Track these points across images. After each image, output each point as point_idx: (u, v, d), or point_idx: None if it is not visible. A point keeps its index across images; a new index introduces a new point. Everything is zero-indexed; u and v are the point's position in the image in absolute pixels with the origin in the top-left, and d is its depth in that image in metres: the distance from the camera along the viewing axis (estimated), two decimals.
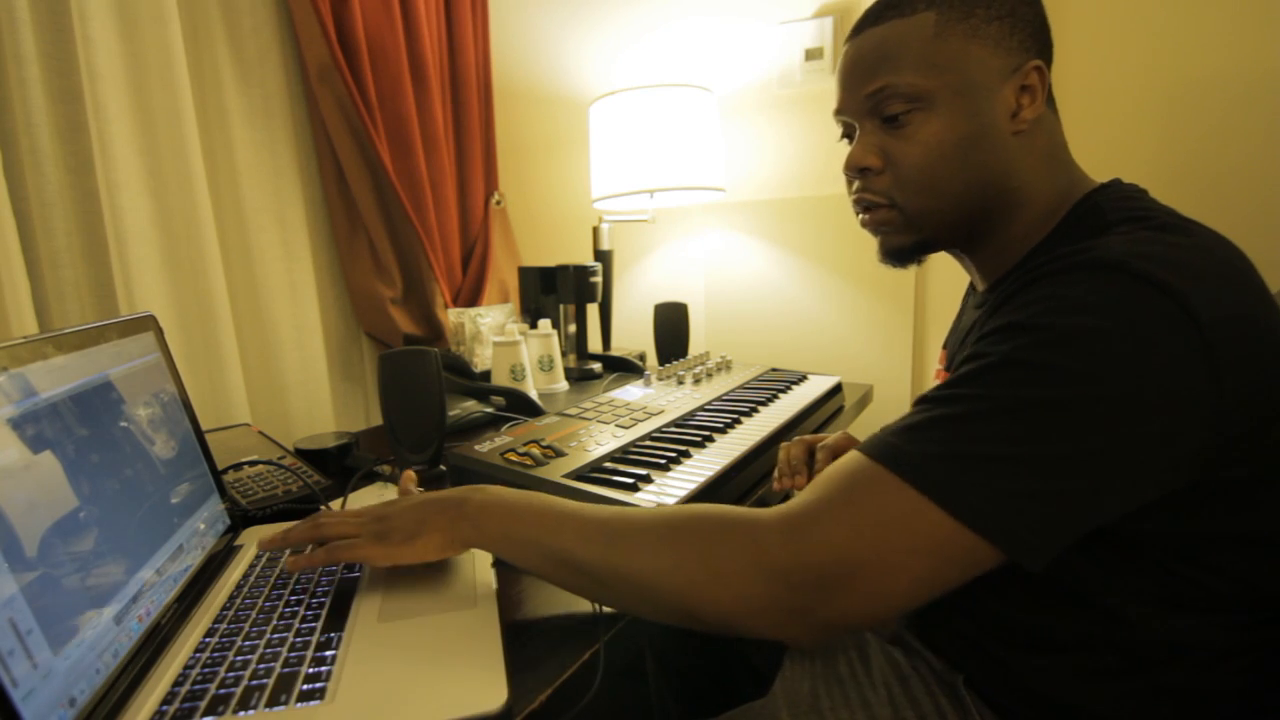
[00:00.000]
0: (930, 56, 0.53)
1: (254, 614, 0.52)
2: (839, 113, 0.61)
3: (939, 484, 0.41)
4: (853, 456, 0.46)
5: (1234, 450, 0.42)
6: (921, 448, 0.43)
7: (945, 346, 0.70)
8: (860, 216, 0.62)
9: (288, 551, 0.58)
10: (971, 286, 0.70)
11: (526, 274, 1.44)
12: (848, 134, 0.62)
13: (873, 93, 0.56)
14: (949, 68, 0.53)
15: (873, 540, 0.42)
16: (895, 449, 0.44)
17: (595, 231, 1.50)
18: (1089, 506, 0.42)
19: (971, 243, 0.60)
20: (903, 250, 0.60)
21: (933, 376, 0.70)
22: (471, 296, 1.53)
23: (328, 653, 0.47)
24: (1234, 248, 0.47)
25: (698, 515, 0.48)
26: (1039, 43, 0.55)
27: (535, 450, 0.75)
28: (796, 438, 0.79)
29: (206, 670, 0.45)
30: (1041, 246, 0.56)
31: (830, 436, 0.79)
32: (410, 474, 0.66)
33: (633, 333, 1.70)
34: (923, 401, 0.47)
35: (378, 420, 1.37)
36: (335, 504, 0.77)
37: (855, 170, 0.59)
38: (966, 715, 0.56)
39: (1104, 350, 0.40)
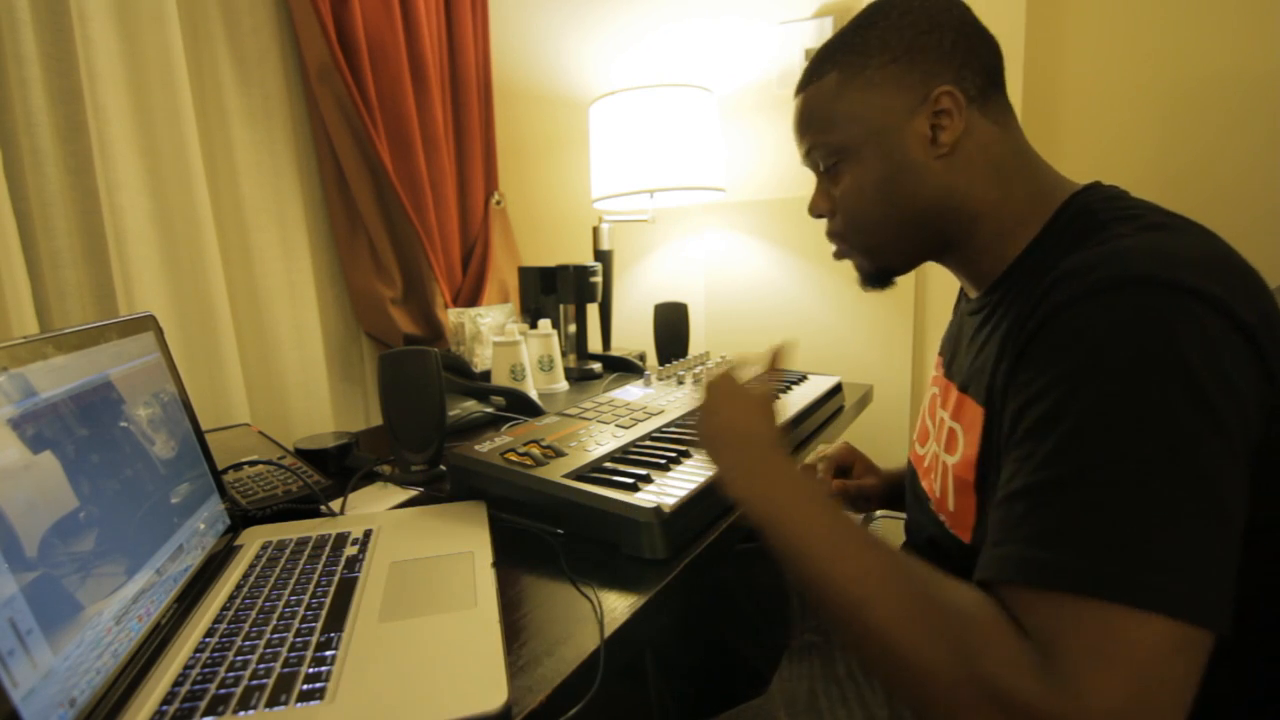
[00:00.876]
0: (837, 113, 0.59)
1: (254, 614, 0.52)
2: (803, 163, 0.68)
3: (1148, 587, 0.37)
4: (1044, 597, 0.40)
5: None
6: (1103, 553, 0.39)
7: (941, 353, 0.70)
8: (833, 252, 0.68)
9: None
10: (962, 293, 0.70)
11: (526, 274, 1.44)
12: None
13: (806, 151, 0.64)
14: (854, 119, 0.59)
15: (1137, 687, 0.37)
16: (1078, 570, 0.39)
17: (595, 231, 1.50)
18: (1239, 534, 0.40)
19: (941, 259, 0.63)
20: (872, 276, 0.66)
21: (929, 382, 0.70)
22: (471, 296, 1.53)
23: (328, 653, 0.47)
24: (1224, 241, 0.47)
25: (962, 621, 0.42)
26: (951, 63, 0.56)
27: (535, 450, 0.75)
28: (812, 459, 0.80)
29: (206, 670, 0.45)
30: (1032, 250, 0.56)
31: (830, 448, 0.80)
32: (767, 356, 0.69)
33: (633, 333, 1.70)
34: (1039, 492, 0.42)
35: (378, 420, 1.37)
36: (335, 504, 0.77)
37: (815, 215, 0.66)
38: None
39: (1190, 371, 0.39)
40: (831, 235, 0.66)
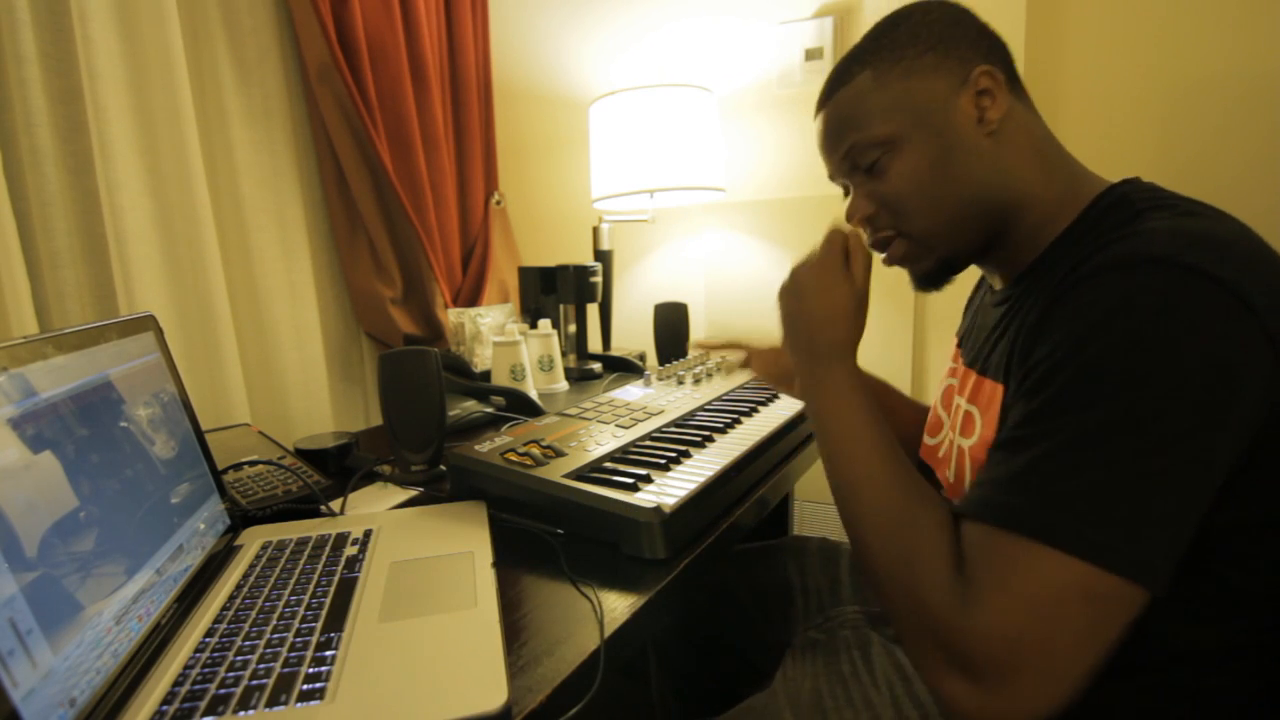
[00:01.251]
0: (880, 106, 0.58)
1: (254, 614, 0.52)
2: (831, 179, 0.67)
3: (1066, 530, 0.40)
4: (979, 529, 0.45)
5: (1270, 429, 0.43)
6: (1037, 496, 0.42)
7: (960, 344, 0.70)
8: (882, 259, 0.65)
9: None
10: (981, 284, 0.70)
11: (526, 274, 1.44)
12: (847, 193, 0.66)
13: (845, 153, 0.61)
14: (899, 108, 0.58)
15: (1031, 617, 0.41)
16: (1012, 507, 0.43)
17: (595, 231, 1.50)
18: (1197, 511, 0.41)
19: (990, 248, 0.61)
20: (929, 274, 0.63)
21: (944, 374, 0.70)
22: (471, 296, 1.53)
23: (328, 653, 0.47)
24: (1255, 233, 0.48)
25: (912, 539, 0.49)
26: (980, 50, 0.58)
27: (535, 450, 0.75)
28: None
29: (206, 670, 0.45)
30: (1063, 239, 0.55)
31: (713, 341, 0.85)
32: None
33: (633, 333, 1.70)
34: (1014, 443, 0.45)
35: (378, 420, 1.37)
36: (335, 504, 0.77)
37: (860, 220, 0.63)
38: None
39: (1181, 350, 0.40)
40: (879, 237, 0.63)
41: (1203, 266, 0.41)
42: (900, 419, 0.81)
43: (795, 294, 0.64)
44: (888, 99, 0.58)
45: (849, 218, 0.64)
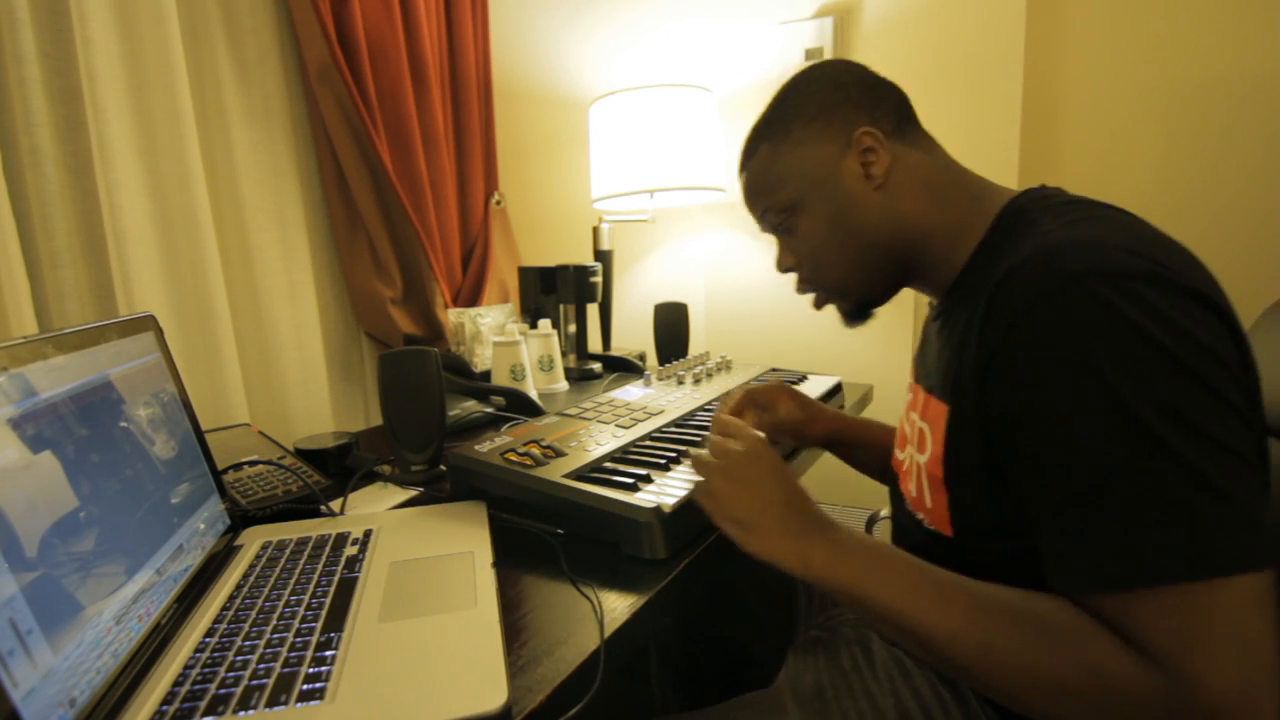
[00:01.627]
0: (778, 175, 0.66)
1: (254, 614, 0.52)
2: (762, 230, 0.73)
3: (1208, 555, 0.40)
4: (1131, 600, 0.42)
5: None
6: (1159, 539, 0.41)
7: (914, 361, 0.72)
8: (811, 302, 0.72)
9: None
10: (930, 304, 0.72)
11: (526, 274, 1.44)
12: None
13: (761, 215, 0.70)
14: (792, 176, 0.65)
15: (1235, 652, 0.39)
16: (1148, 561, 0.41)
17: (595, 231, 1.50)
18: (1257, 482, 0.42)
19: (906, 282, 0.67)
20: (851, 313, 0.70)
21: (905, 389, 0.71)
22: (471, 296, 1.53)
23: (328, 653, 0.47)
24: (1148, 223, 0.50)
25: (1075, 640, 0.43)
26: (864, 109, 0.63)
27: (535, 450, 0.75)
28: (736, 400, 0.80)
29: (206, 670, 0.45)
30: (978, 254, 0.59)
31: (767, 387, 0.82)
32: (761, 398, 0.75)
33: (633, 333, 1.70)
34: (1080, 499, 0.43)
35: (378, 420, 1.37)
36: (335, 504, 0.77)
37: (783, 270, 0.72)
38: (967, 707, 0.57)
39: (1156, 353, 0.41)
40: (803, 284, 0.71)
41: (1119, 268, 0.43)
42: (887, 450, 0.82)
43: (738, 484, 0.57)
44: (783, 169, 0.65)
45: (777, 267, 0.72)
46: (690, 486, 0.66)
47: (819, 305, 0.71)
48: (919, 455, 0.61)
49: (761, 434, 0.60)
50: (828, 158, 0.63)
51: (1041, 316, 0.45)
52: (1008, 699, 0.45)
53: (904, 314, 1.37)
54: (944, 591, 0.48)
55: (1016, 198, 0.58)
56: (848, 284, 0.67)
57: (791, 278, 0.71)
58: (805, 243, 0.66)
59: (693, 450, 0.62)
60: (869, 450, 0.85)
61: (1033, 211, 0.55)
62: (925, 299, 0.69)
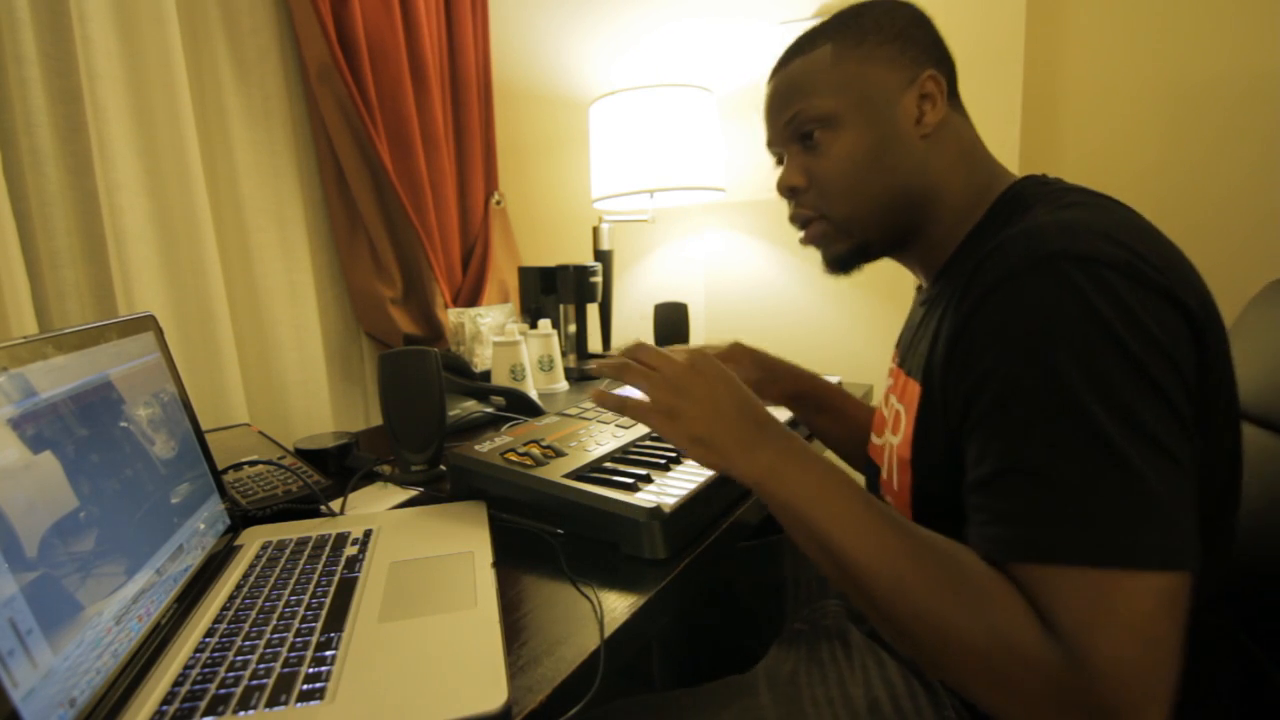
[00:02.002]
0: (831, 81, 0.60)
1: (254, 614, 0.52)
2: (769, 145, 0.67)
3: (1132, 547, 0.40)
4: (1044, 572, 0.42)
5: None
6: (1085, 522, 0.41)
7: (898, 345, 0.71)
8: (800, 235, 0.67)
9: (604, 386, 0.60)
10: (918, 287, 0.72)
11: (526, 274, 1.44)
12: (780, 163, 0.67)
13: (788, 120, 0.63)
14: (848, 88, 0.60)
15: (1141, 644, 0.39)
16: (1067, 540, 0.41)
17: (595, 231, 1.50)
18: (1193, 479, 0.42)
19: (905, 243, 0.64)
20: (840, 258, 0.65)
21: (886, 374, 0.70)
22: (471, 296, 1.53)
23: (328, 653, 0.47)
24: (1138, 214, 0.50)
25: (986, 599, 0.43)
26: (932, 56, 0.60)
27: (535, 450, 0.75)
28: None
29: (206, 670, 0.45)
30: (972, 236, 0.59)
31: (719, 347, 0.80)
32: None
33: (633, 333, 1.70)
34: (1018, 471, 0.44)
35: (377, 420, 1.37)
36: (335, 504, 0.77)
37: (786, 190, 0.65)
38: (936, 699, 0.58)
39: (1110, 343, 0.42)
40: (799, 212, 0.65)
41: (1095, 253, 0.43)
42: (851, 419, 0.83)
43: (693, 398, 0.55)
44: (840, 77, 0.60)
45: (779, 187, 0.65)
46: (692, 485, 0.66)
47: (807, 241, 0.66)
48: (892, 438, 0.61)
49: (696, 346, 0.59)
50: (891, 85, 0.59)
51: (1007, 292, 0.45)
52: (913, 647, 0.46)
53: (904, 314, 1.37)
54: (876, 524, 0.48)
55: (1015, 184, 0.58)
56: (856, 220, 0.62)
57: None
58: (830, 165, 0.61)
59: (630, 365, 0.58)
60: (834, 416, 0.83)
61: (1028, 197, 0.55)
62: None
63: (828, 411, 0.84)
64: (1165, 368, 0.42)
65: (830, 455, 0.81)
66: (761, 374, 0.82)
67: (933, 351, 0.54)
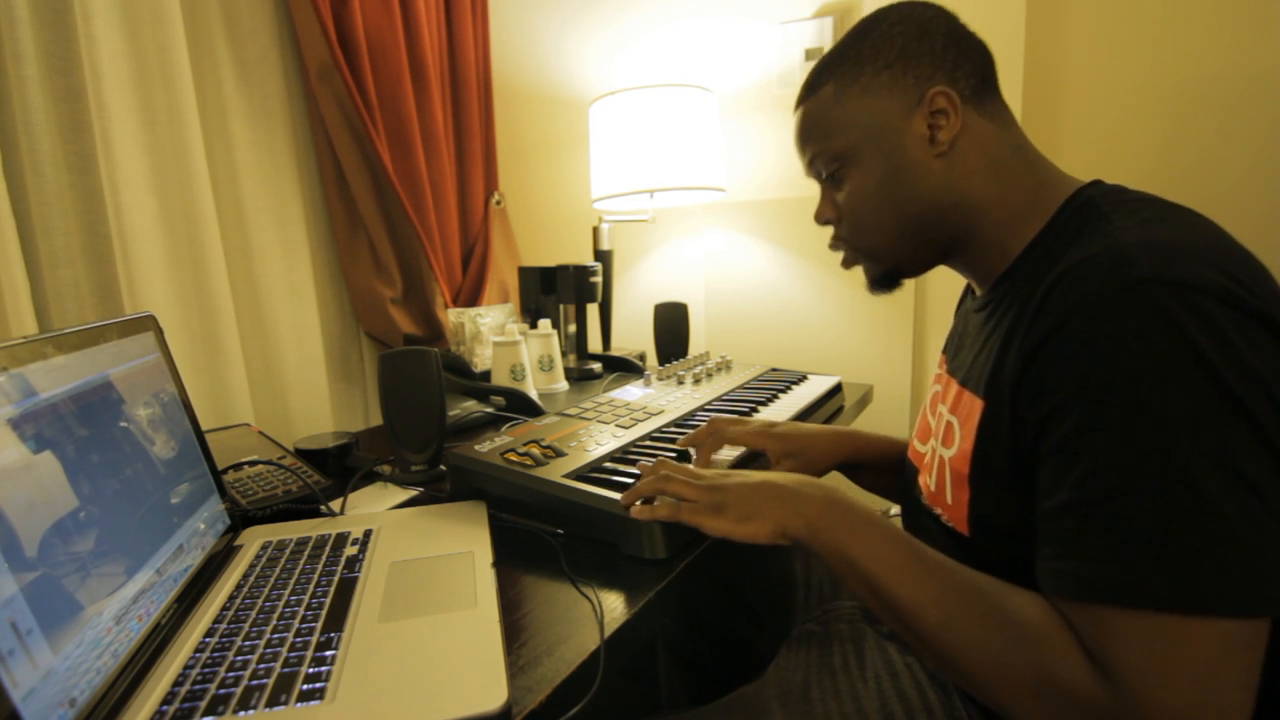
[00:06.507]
0: (836, 122, 0.61)
1: (254, 614, 0.52)
2: (807, 174, 0.69)
3: (1206, 592, 0.39)
4: (1108, 614, 0.41)
5: None
6: (1157, 563, 0.40)
7: (945, 351, 0.70)
8: (840, 261, 0.69)
9: (639, 502, 0.61)
10: (968, 291, 0.70)
11: (526, 274, 1.44)
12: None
13: (809, 161, 0.66)
14: (854, 126, 0.60)
15: (1202, 691, 0.39)
16: (1136, 583, 0.40)
17: (595, 231, 1.50)
18: (1276, 523, 0.40)
19: (946, 257, 0.63)
20: (878, 280, 0.66)
21: (932, 380, 0.70)
22: (471, 296, 1.53)
23: (328, 653, 0.47)
24: (1223, 230, 0.48)
25: (1033, 639, 0.44)
26: (943, 65, 0.58)
27: (535, 450, 0.75)
28: (721, 425, 0.77)
29: (206, 670, 0.45)
30: (1036, 244, 0.56)
31: (749, 428, 0.78)
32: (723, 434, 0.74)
33: (633, 333, 1.70)
34: (1090, 504, 0.43)
35: (377, 420, 1.37)
36: (335, 504, 0.77)
37: (821, 222, 0.68)
38: (953, 711, 0.57)
39: (1203, 377, 0.40)
40: (837, 241, 0.67)
41: (1191, 279, 0.41)
42: (882, 460, 0.82)
43: (725, 490, 0.59)
44: (844, 115, 0.61)
45: (816, 218, 0.68)
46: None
47: (847, 265, 0.68)
48: (944, 450, 0.59)
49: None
50: (894, 113, 0.58)
51: (1094, 316, 0.43)
52: (961, 678, 0.47)
53: (904, 314, 1.37)
54: (925, 565, 0.50)
55: (1084, 188, 0.56)
56: (884, 250, 0.63)
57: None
58: (850, 199, 0.62)
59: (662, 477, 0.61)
60: (876, 472, 0.83)
61: (1103, 205, 0.51)
62: (927, 297, 0.69)
63: (869, 469, 0.83)
64: (1261, 399, 0.40)
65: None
66: (796, 466, 0.79)
67: (999, 367, 0.52)
